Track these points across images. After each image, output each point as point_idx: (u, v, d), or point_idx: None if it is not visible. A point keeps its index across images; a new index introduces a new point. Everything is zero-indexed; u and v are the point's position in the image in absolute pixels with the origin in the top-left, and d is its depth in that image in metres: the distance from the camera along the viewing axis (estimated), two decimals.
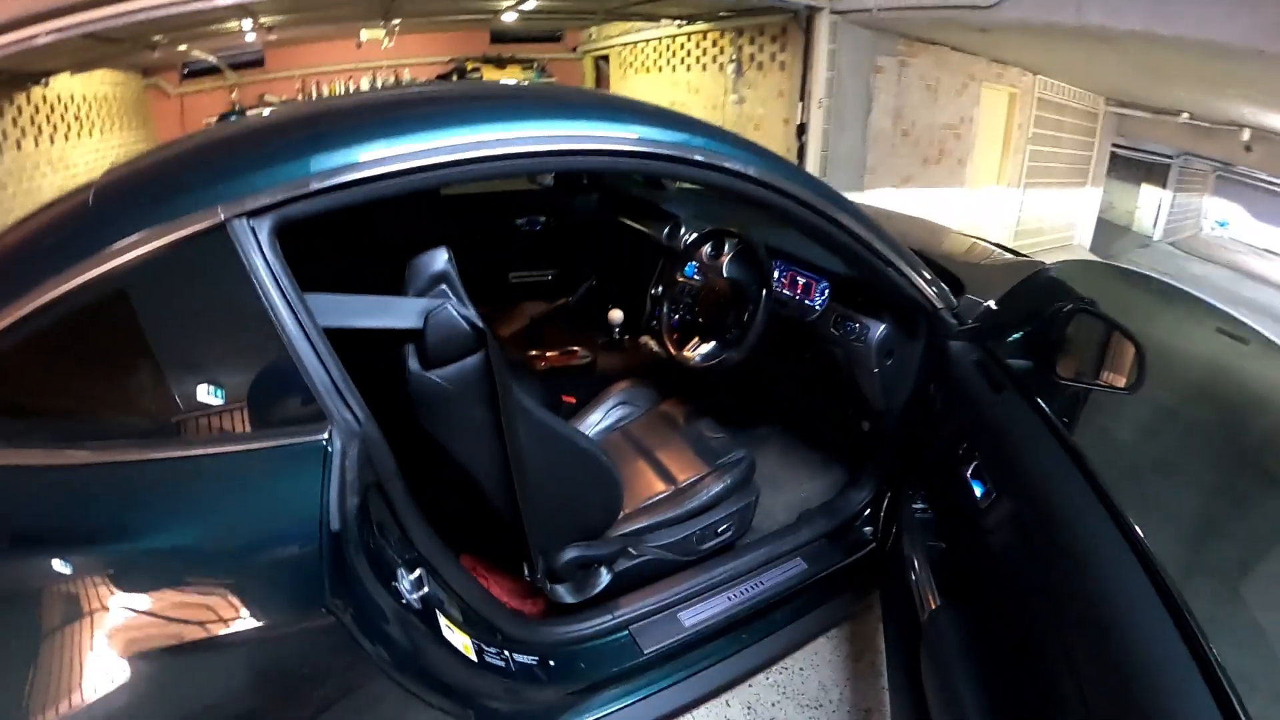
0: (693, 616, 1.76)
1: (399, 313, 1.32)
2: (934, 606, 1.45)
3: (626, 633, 1.71)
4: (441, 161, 1.24)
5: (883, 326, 1.87)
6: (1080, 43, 5.12)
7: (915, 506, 1.68)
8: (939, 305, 1.72)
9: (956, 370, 1.66)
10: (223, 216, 1.11)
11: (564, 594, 1.72)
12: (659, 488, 1.97)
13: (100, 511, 1.10)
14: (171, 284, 1.13)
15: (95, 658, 1.06)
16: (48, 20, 4.00)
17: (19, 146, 5.69)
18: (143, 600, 1.09)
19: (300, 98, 9.20)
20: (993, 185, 8.03)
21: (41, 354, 1.12)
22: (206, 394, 1.17)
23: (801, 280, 2.12)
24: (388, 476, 1.31)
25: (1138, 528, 1.10)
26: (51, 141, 6.26)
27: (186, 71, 8.86)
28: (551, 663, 1.60)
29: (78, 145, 6.77)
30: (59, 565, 1.05)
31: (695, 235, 2.54)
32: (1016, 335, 1.67)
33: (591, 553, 1.73)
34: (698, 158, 1.41)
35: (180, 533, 1.10)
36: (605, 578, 1.74)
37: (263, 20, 6.23)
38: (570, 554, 1.69)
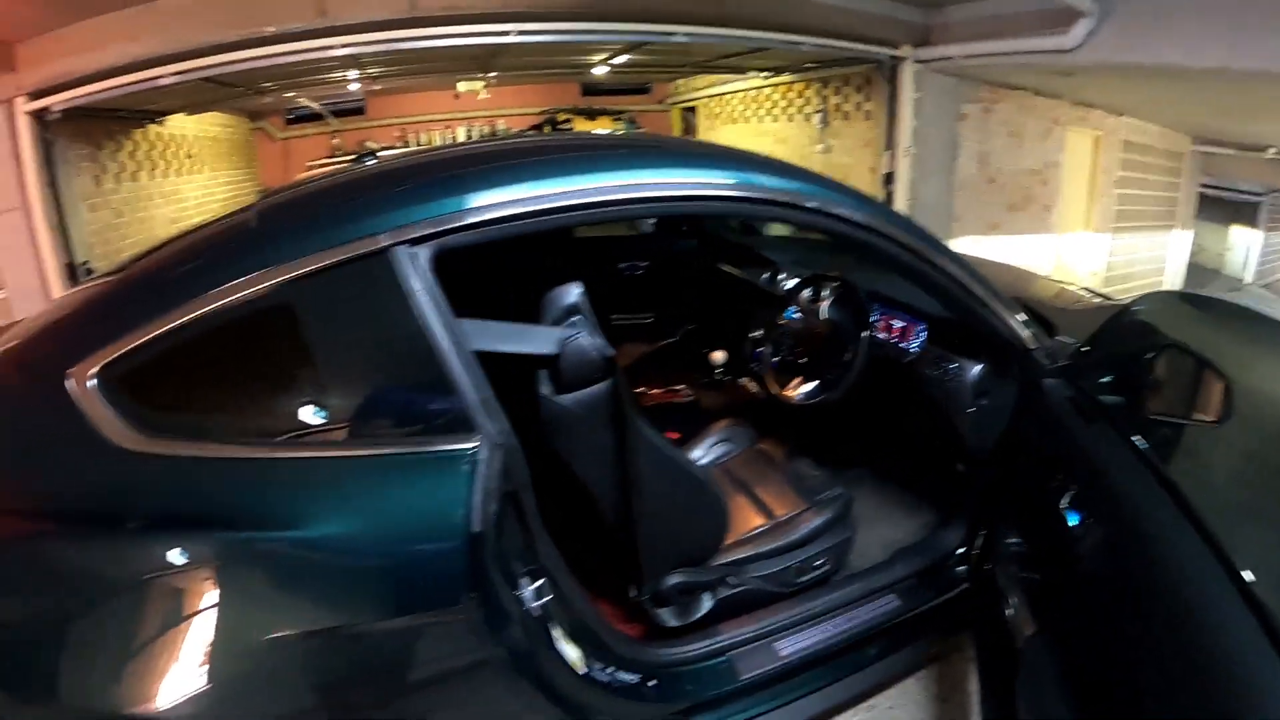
0: (788, 646, 1.80)
1: (538, 340, 1.44)
2: (1030, 634, 1.47)
3: (725, 658, 1.76)
4: (588, 202, 1.37)
5: (978, 367, 1.92)
6: (1162, 82, 5.05)
7: (1009, 540, 1.71)
8: (1033, 346, 1.76)
9: (1051, 406, 1.69)
10: (386, 243, 1.25)
11: (666, 617, 1.79)
12: (758, 521, 2.02)
13: (271, 502, 1.22)
14: (336, 300, 1.26)
15: (262, 630, 1.19)
16: (172, 63, 4.33)
17: (135, 179, 6.06)
18: (298, 583, 1.22)
19: (400, 145, 9.65)
20: (1080, 230, 7.86)
21: (213, 353, 1.26)
22: (366, 400, 1.31)
23: (898, 324, 2.19)
24: (523, 486, 1.40)
25: (1229, 552, 1.13)
26: (165, 176, 6.66)
27: (291, 117, 9.40)
28: (651, 683, 1.66)
29: (189, 180, 7.22)
30: (231, 548, 1.19)
31: (796, 280, 2.62)
32: (1106, 373, 1.69)
33: (694, 579, 1.79)
34: (812, 205, 1.52)
35: (339, 524, 1.22)
36: (707, 603, 1.81)
37: (369, 71, 6.54)
38: (674, 579, 1.76)
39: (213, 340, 1.24)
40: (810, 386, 2.25)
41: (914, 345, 2.13)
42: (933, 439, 2.14)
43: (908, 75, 5.75)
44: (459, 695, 1.37)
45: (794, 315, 2.45)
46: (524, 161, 1.47)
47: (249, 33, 4.26)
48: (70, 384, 1.19)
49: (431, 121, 9.95)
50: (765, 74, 7.42)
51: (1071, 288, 2.66)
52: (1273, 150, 8.97)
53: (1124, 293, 8.56)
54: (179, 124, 6.88)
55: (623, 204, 1.41)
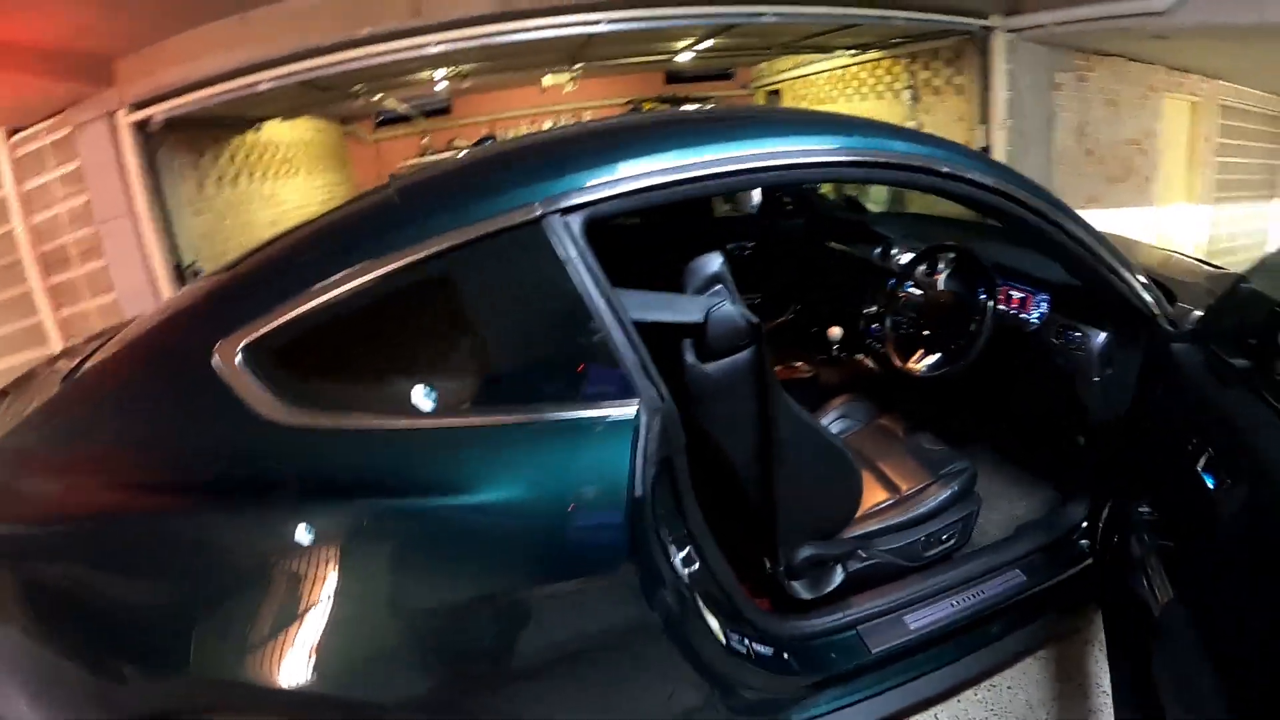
0: (917, 620, 1.81)
1: (685, 308, 1.45)
2: (1167, 602, 1.45)
3: (855, 632, 1.77)
4: (735, 169, 1.40)
5: (1104, 335, 1.88)
6: (1260, 41, 4.86)
7: (1141, 509, 1.68)
8: (1158, 312, 1.73)
9: (1182, 371, 1.66)
10: (540, 212, 1.28)
11: (800, 590, 1.80)
12: (883, 495, 2.04)
13: (437, 470, 1.25)
14: (491, 271, 1.29)
15: (428, 591, 1.26)
16: (269, 69, 4.54)
17: (235, 183, 6.34)
18: (459, 550, 1.26)
19: (489, 143, 9.80)
20: (1181, 202, 7.57)
21: (366, 327, 1.30)
22: (525, 368, 1.35)
23: (1017, 295, 2.17)
24: (677, 451, 1.41)
25: None
26: (264, 180, 6.96)
27: (380, 120, 9.67)
28: (786, 655, 1.68)
29: (286, 184, 7.52)
30: (398, 514, 1.23)
31: (912, 253, 2.60)
32: (1235, 338, 1.65)
33: (826, 551, 1.81)
34: (945, 169, 1.53)
35: (506, 489, 1.25)
36: (839, 576, 1.82)
37: (459, 69, 6.70)
38: (807, 551, 1.77)
39: (365, 315, 1.27)
40: (935, 358, 2.24)
41: (1035, 315, 2.11)
42: (1055, 410, 2.12)
43: (999, 46, 5.61)
44: (612, 662, 1.41)
45: (911, 288, 2.44)
46: (668, 131, 1.51)
47: (344, 35, 4.43)
48: (216, 359, 1.23)
49: (518, 117, 10.08)
50: (852, 52, 7.30)
51: (1180, 255, 2.59)
52: None
53: (1229, 264, 8.12)
54: (275, 130, 7.16)
55: (766, 171, 1.43)
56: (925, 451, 2.16)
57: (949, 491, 1.99)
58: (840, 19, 5.18)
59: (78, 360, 1.65)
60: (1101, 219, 1.70)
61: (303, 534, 1.20)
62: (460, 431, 1.28)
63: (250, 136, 6.66)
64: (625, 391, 1.30)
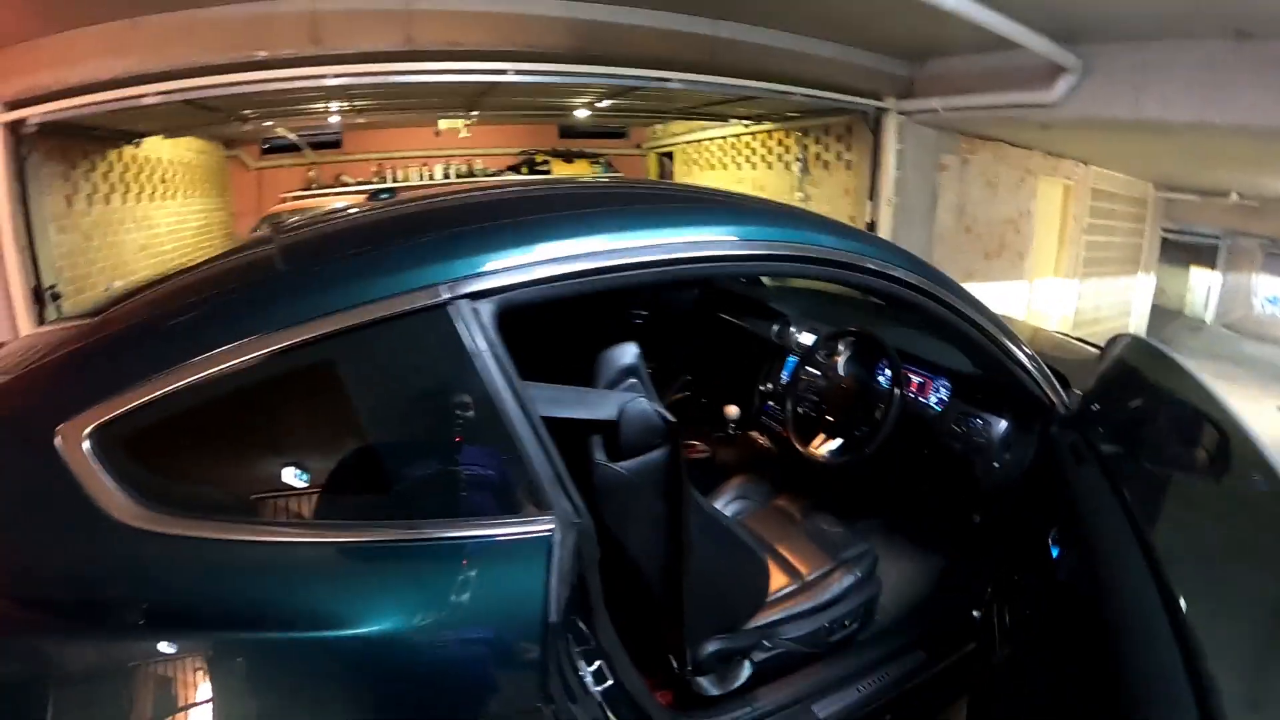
0: (824, 709, 1.76)
1: (597, 404, 1.36)
2: (1004, 654, 1.54)
3: None
4: (664, 259, 1.30)
5: (1005, 423, 1.90)
6: (1137, 134, 5.21)
7: (1014, 579, 1.73)
8: (1055, 400, 1.77)
9: (1055, 453, 1.72)
10: (446, 296, 1.12)
11: (707, 686, 1.72)
12: (785, 581, 1.99)
13: (317, 594, 1.07)
14: (386, 360, 1.14)
15: None
16: (157, 82, 4.20)
17: (107, 201, 5.87)
18: (352, 690, 1.07)
19: (377, 180, 9.59)
20: (1050, 277, 8.06)
21: (234, 415, 1.13)
22: (423, 476, 1.18)
23: (916, 379, 2.18)
24: (589, 567, 1.29)
25: (1181, 598, 1.17)
26: (138, 200, 6.49)
27: (267, 147, 9.26)
28: None
29: (161, 206, 7.04)
30: (268, 649, 1.03)
31: (815, 335, 2.59)
32: (1107, 422, 1.73)
33: (732, 645, 1.75)
34: (870, 265, 1.50)
35: (397, 619, 1.07)
36: (746, 670, 1.76)
37: (354, 103, 6.49)
38: (713, 646, 1.70)
39: (238, 401, 1.10)
40: (837, 444, 2.20)
41: (934, 400, 2.13)
42: (952, 491, 2.13)
43: (891, 126, 5.86)
44: None
45: (810, 370, 2.42)
46: (593, 210, 1.39)
47: (239, 56, 4.16)
48: (59, 442, 1.02)
49: (409, 158, 9.88)
50: (746, 122, 7.51)
51: (1059, 335, 2.69)
52: (1235, 195, 9.28)
53: (1093, 336, 8.67)
54: (154, 147, 6.73)
55: (700, 262, 1.35)
56: (824, 534, 2.12)
57: (852, 577, 1.96)
58: (741, 90, 5.28)
59: None
60: (978, 293, 1.74)
61: (151, 668, 1.00)
62: (345, 549, 1.10)
63: (128, 151, 6.22)
64: (538, 505, 1.17)
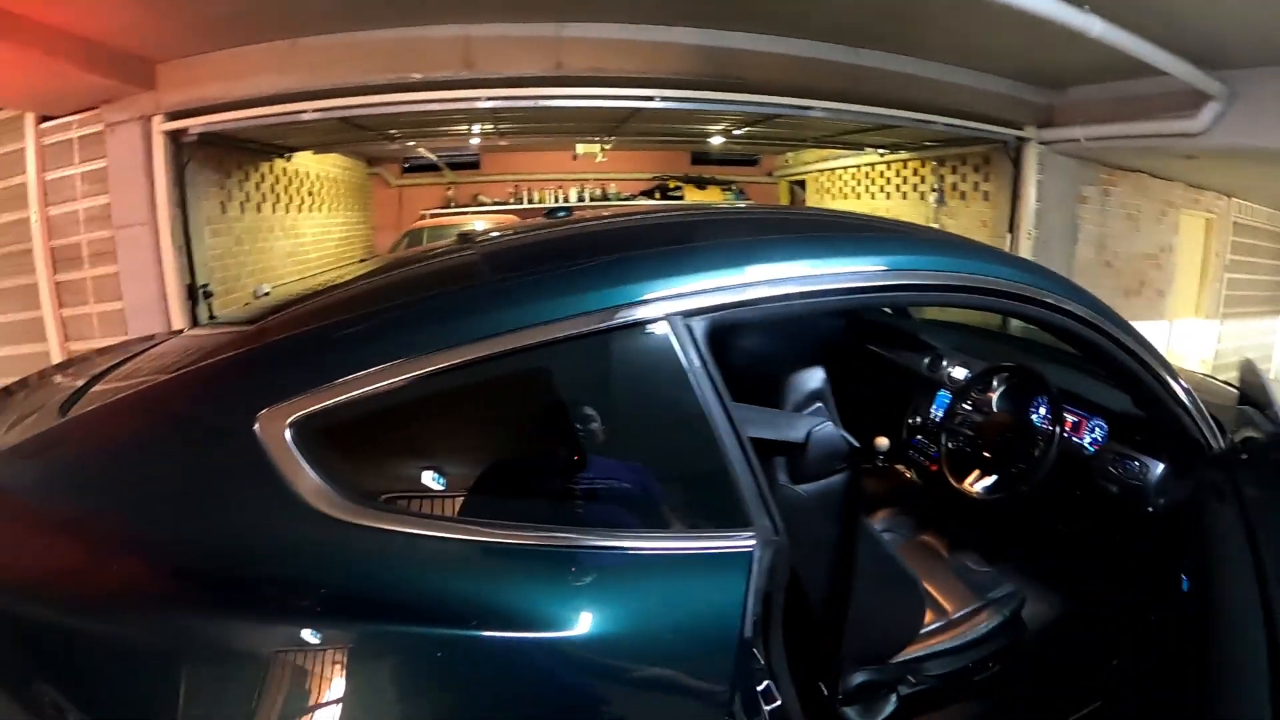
0: None
1: (786, 426, 1.38)
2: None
3: None
4: (861, 286, 1.32)
5: (1162, 466, 1.86)
6: None
7: (1150, 617, 1.75)
8: (1216, 446, 1.72)
9: (1198, 488, 1.70)
10: (664, 312, 1.14)
11: (853, 716, 1.75)
12: (930, 617, 1.97)
13: (503, 595, 1.07)
14: (598, 371, 1.16)
15: None
16: (315, 99, 4.52)
17: (258, 209, 6.29)
18: (540, 693, 1.07)
19: (512, 201, 9.95)
20: (1191, 316, 7.71)
21: (442, 416, 1.15)
22: (630, 485, 1.19)
23: (1070, 418, 2.14)
24: (778, 586, 1.26)
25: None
26: (286, 210, 6.93)
27: (407, 165, 9.77)
28: None
29: (308, 217, 7.50)
30: (461, 646, 1.02)
31: (969, 369, 2.59)
32: (1257, 469, 1.70)
33: (880, 677, 1.76)
34: (1048, 300, 1.49)
35: (594, 625, 1.07)
36: (892, 704, 1.78)
37: (500, 126, 6.76)
38: (860, 676, 1.72)
39: (447, 403, 1.14)
40: (992, 480, 2.19)
41: (1088, 440, 2.10)
42: (1101, 534, 2.10)
43: (1032, 156, 5.76)
44: None
45: (964, 405, 2.42)
46: (792, 237, 1.41)
47: (395, 77, 4.42)
48: (259, 429, 1.04)
49: (545, 180, 10.19)
50: (881, 151, 7.45)
51: (1202, 375, 2.61)
52: None
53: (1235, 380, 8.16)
54: (303, 161, 7.18)
55: (889, 290, 1.38)
56: (970, 572, 2.12)
57: (998, 618, 1.95)
58: (882, 119, 5.29)
59: (81, 383, 1.48)
60: None
61: (328, 654, 1.00)
62: (549, 553, 1.10)
63: (279, 164, 6.66)
64: (740, 521, 1.16)
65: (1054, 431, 2.05)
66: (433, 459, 1.17)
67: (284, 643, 1.00)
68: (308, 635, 1.00)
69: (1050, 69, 5.21)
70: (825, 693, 1.72)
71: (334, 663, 1.00)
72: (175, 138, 4.69)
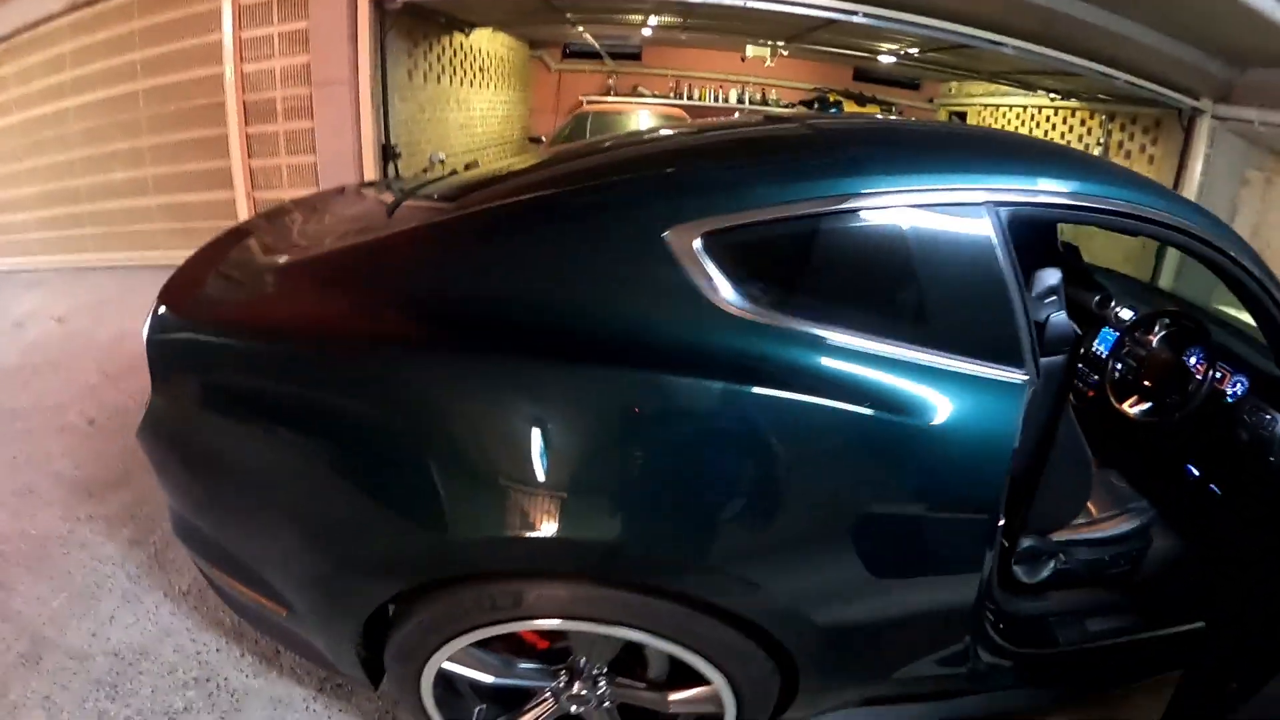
0: (1095, 626, 2.06)
1: (1033, 308, 1.65)
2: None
3: (1049, 621, 2.05)
4: (1109, 210, 1.60)
5: None
6: None
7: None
8: None
9: None
10: (983, 198, 1.47)
11: (1020, 573, 2.06)
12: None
13: (863, 384, 1.40)
14: (930, 233, 1.47)
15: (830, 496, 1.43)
16: None
17: (439, 81, 6.63)
18: (864, 452, 1.42)
19: (671, 96, 10.14)
20: None
21: (815, 249, 1.44)
22: (952, 320, 1.49)
23: (1218, 372, 2.35)
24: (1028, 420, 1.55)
25: None
26: (460, 84, 7.25)
27: (568, 51, 9.96)
28: (1001, 625, 1.93)
29: (478, 93, 7.82)
30: (826, 415, 1.37)
31: (1136, 311, 2.81)
32: None
33: (1040, 546, 2.06)
34: (1232, 253, 1.74)
35: (919, 414, 1.42)
36: (1049, 570, 2.08)
37: (686, 20, 6.85)
38: (1026, 543, 2.03)
39: (817, 238, 1.44)
40: (1148, 405, 2.41)
41: (1230, 391, 2.29)
42: (1229, 476, 2.33)
43: (1204, 128, 5.74)
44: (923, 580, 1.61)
45: (1129, 340, 2.59)
46: (1081, 164, 1.80)
47: None
48: (670, 237, 1.37)
49: (705, 79, 10.31)
50: (1053, 95, 7.39)
51: None
52: None
53: None
54: (479, 38, 7.46)
55: (1123, 216, 1.62)
56: (1113, 485, 2.40)
57: (1134, 524, 2.23)
58: (1070, 66, 5.34)
59: (437, 197, 1.80)
60: None
61: (735, 415, 1.35)
62: (885, 359, 1.43)
63: (458, 38, 6.94)
64: (1020, 364, 1.49)
65: (1207, 372, 2.28)
66: (810, 280, 1.48)
67: (673, 400, 1.37)
68: (698, 391, 1.35)
69: (1236, 45, 5.18)
70: (1006, 545, 2.03)
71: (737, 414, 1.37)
72: (379, 5, 5.00)
